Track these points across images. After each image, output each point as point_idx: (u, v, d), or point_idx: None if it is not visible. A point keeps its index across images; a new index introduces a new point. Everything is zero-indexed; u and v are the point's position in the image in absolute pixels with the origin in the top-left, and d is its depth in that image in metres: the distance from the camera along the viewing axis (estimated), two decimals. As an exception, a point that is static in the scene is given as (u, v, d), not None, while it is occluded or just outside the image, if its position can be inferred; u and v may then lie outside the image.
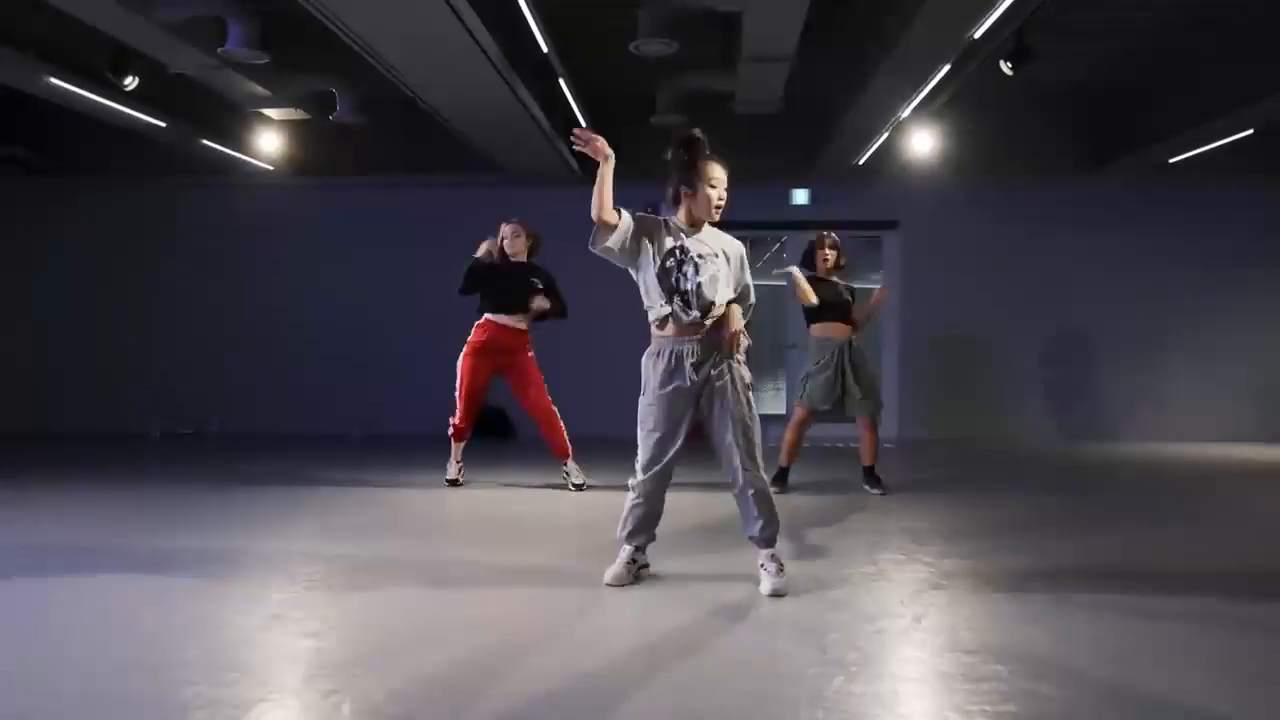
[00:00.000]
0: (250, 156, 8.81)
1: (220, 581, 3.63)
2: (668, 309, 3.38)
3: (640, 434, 3.47)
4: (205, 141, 8.32)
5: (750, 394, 3.48)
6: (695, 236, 3.47)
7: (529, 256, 5.93)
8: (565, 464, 5.86)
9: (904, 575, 3.78)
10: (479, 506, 5.53)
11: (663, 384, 3.41)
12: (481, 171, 9.22)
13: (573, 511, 5.36)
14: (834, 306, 5.79)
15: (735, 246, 3.55)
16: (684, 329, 3.40)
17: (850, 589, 3.53)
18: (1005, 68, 6.24)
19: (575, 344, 9.29)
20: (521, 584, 3.60)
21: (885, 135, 8.20)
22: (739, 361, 3.46)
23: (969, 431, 9.36)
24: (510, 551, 4.22)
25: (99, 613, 3.23)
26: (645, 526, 3.55)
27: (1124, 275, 9.60)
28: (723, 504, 5.13)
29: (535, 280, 5.81)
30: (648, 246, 3.42)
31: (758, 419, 3.48)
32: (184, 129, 8.04)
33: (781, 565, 3.47)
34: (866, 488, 5.83)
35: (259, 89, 7.19)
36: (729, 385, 3.41)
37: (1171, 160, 8.83)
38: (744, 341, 3.48)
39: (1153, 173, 9.20)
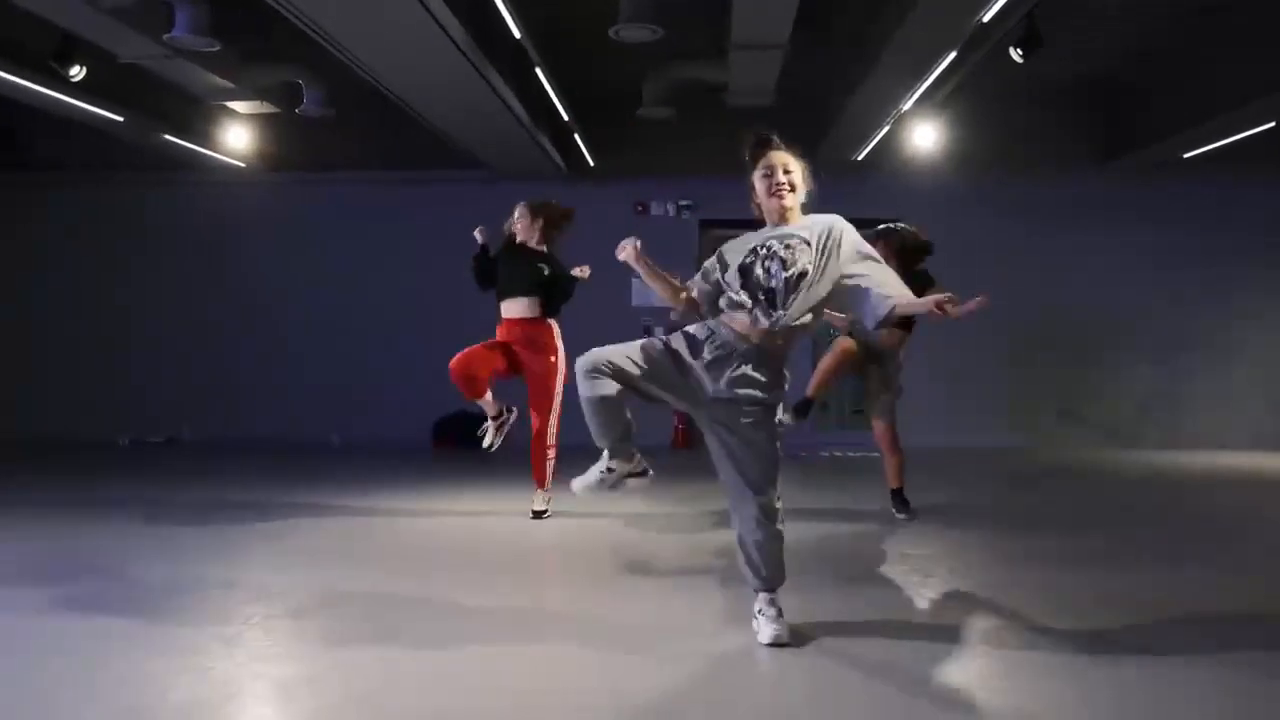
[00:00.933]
0: (218, 152, 8.38)
1: (149, 623, 3.22)
2: (746, 301, 2.97)
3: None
4: (169, 137, 7.87)
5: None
6: (780, 230, 3.08)
7: (547, 242, 5.28)
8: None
9: (922, 620, 3.37)
10: (452, 533, 5.06)
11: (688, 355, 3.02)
12: (463, 168, 8.80)
13: (564, 539, 4.90)
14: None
15: (825, 224, 3.06)
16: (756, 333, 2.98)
17: (869, 641, 3.09)
18: (1015, 55, 5.80)
19: (572, 351, 8.94)
20: (485, 638, 3.12)
21: (885, 129, 7.77)
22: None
23: (973, 439, 8.92)
24: (485, 589, 3.77)
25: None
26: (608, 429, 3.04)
27: (1136, 275, 9.17)
28: (707, 535, 4.77)
29: (543, 266, 5.17)
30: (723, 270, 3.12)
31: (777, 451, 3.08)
32: (144, 123, 7.62)
33: (781, 610, 3.04)
34: (895, 513, 5.25)
35: (220, 81, 6.76)
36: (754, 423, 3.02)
37: (1186, 155, 8.41)
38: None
39: (1166, 168, 8.79)
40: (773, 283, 2.93)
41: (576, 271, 5.23)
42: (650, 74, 6.99)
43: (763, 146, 3.11)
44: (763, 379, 2.98)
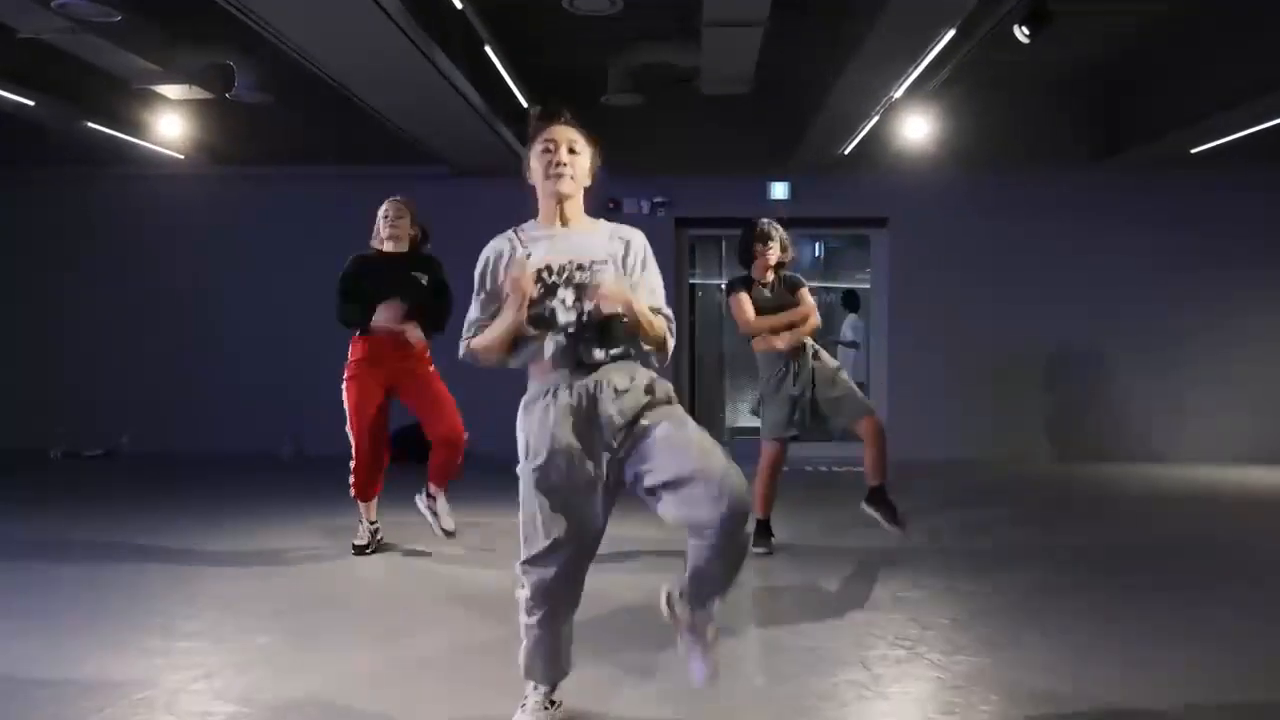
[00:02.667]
0: (152, 142, 7.68)
1: None
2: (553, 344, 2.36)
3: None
4: (93, 125, 7.18)
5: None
6: (559, 238, 2.45)
7: (413, 247, 4.68)
8: (435, 500, 4.63)
9: (906, 686, 2.78)
10: (394, 574, 4.44)
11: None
12: (419, 163, 8.14)
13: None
14: (774, 315, 4.59)
15: (619, 240, 2.49)
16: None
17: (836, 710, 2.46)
18: (1020, 34, 5.18)
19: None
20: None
21: (874, 120, 7.14)
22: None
23: (965, 452, 8.32)
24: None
25: None
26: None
27: (1139, 277, 8.59)
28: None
29: (418, 275, 4.55)
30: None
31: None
32: (61, 109, 6.92)
33: (717, 631, 2.44)
34: (873, 513, 4.43)
35: (142, 62, 6.09)
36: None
37: (1194, 150, 7.83)
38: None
39: (1172, 164, 8.20)
40: (567, 320, 2.34)
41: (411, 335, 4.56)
42: (615, 57, 6.35)
43: (547, 119, 2.48)
44: (628, 380, 2.34)
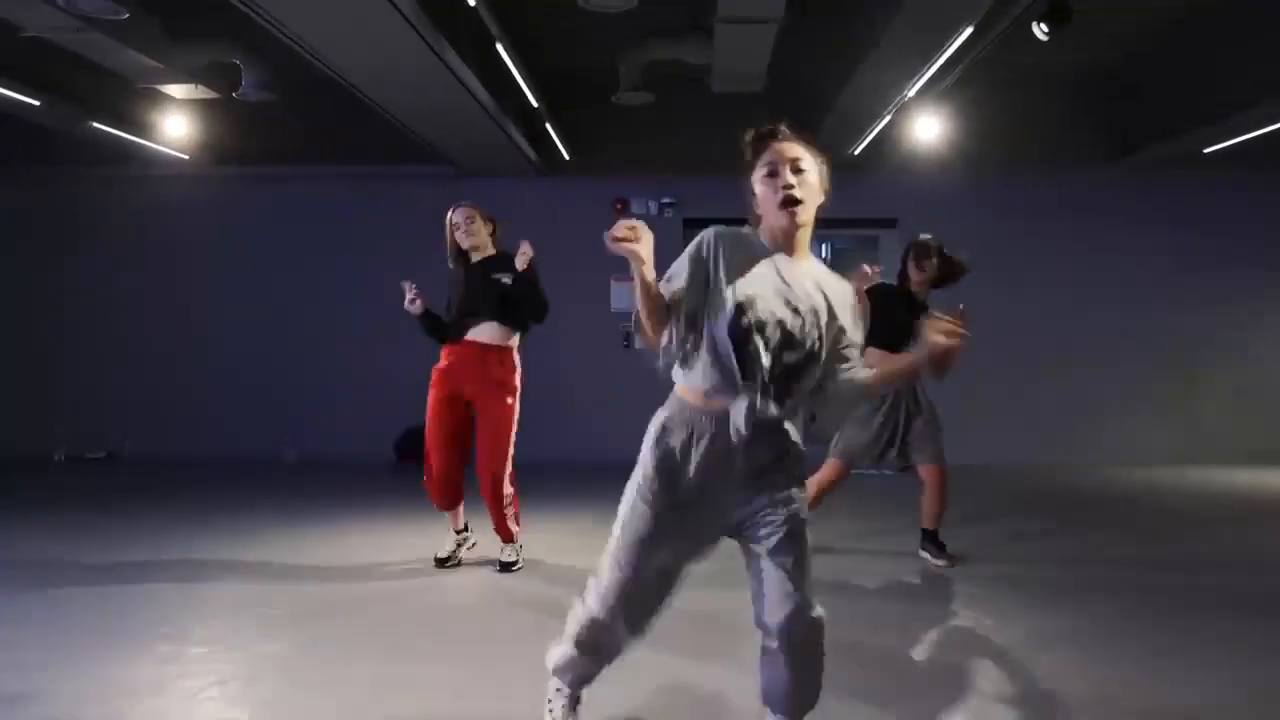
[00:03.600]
0: (157, 143, 7.63)
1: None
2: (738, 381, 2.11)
3: None
4: (97, 125, 7.12)
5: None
6: (789, 272, 2.16)
7: (498, 247, 4.47)
8: (502, 548, 4.44)
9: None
10: (409, 590, 4.33)
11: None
12: (426, 163, 8.09)
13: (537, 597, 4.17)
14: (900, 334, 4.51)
15: (843, 290, 2.25)
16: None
17: None
18: (1039, 31, 5.12)
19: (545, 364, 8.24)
20: None
21: (885, 120, 7.08)
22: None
23: (977, 456, 8.23)
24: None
25: None
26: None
27: (1152, 277, 8.55)
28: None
29: (501, 276, 4.29)
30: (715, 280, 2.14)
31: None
32: (66, 109, 6.86)
33: None
34: (926, 555, 4.59)
35: (147, 60, 6.02)
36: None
37: (1206, 150, 7.79)
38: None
39: (1185, 164, 8.16)
40: (767, 361, 2.08)
41: (520, 259, 4.26)
42: (626, 55, 6.28)
43: (765, 138, 2.19)
44: (779, 449, 2.17)
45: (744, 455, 2.12)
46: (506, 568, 4.37)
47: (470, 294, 4.31)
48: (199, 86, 6.60)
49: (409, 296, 4.27)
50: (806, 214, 2.14)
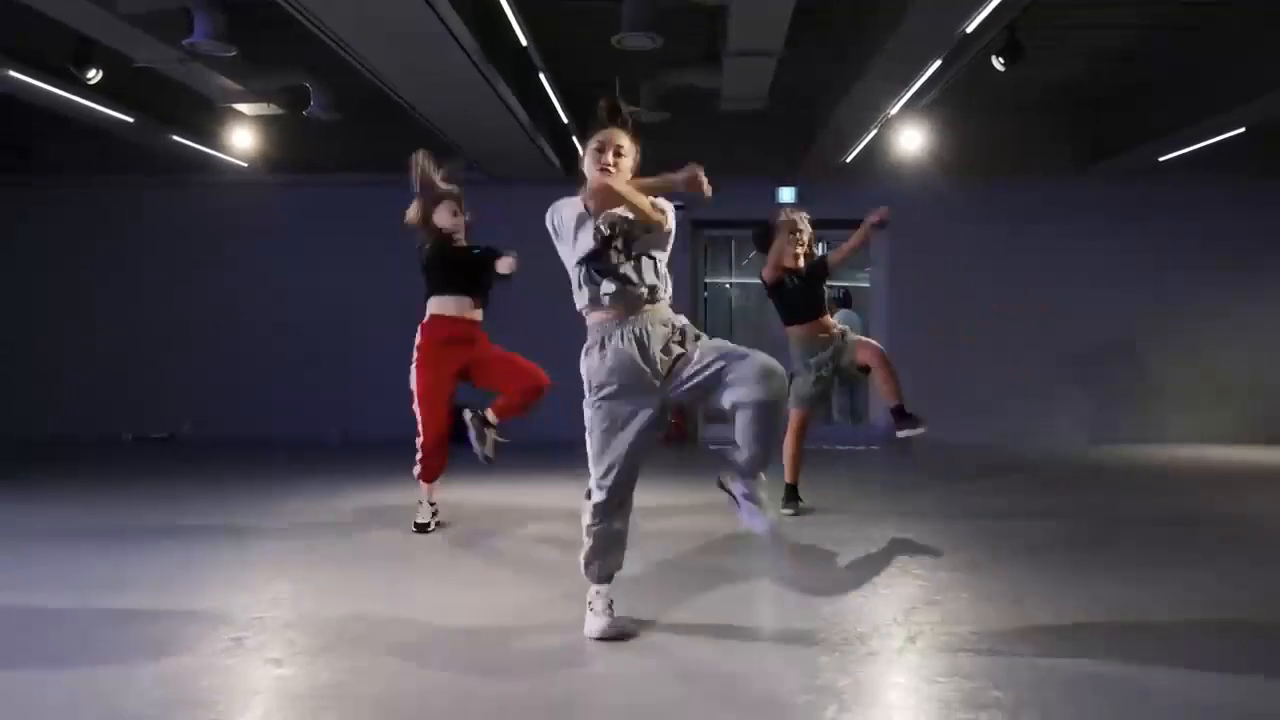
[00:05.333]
0: (223, 153, 8.60)
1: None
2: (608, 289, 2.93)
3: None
4: (176, 138, 8.09)
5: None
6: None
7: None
8: (491, 426, 4.70)
9: (895, 592, 3.65)
10: (451, 543, 4.73)
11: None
12: (466, 170, 9.02)
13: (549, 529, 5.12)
14: (810, 303, 5.21)
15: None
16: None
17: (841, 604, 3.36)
18: (997, 64, 6.12)
19: (549, 351, 9.17)
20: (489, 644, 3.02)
21: (873, 132, 8.07)
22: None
23: (960, 437, 9.18)
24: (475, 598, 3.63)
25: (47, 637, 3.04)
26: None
27: (1117, 276, 9.52)
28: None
29: (474, 247, 4.79)
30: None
31: None
32: (151, 125, 7.83)
33: (768, 491, 3.14)
34: (902, 433, 4.97)
35: (229, 83, 6.97)
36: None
37: (1161, 159, 8.76)
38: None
39: (1143, 172, 9.14)
40: (625, 267, 2.89)
41: (503, 266, 4.66)
42: (646, 79, 7.27)
43: (611, 116, 3.00)
44: (670, 322, 2.94)
45: (648, 337, 2.87)
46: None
47: (455, 274, 4.73)
48: (270, 105, 7.52)
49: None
50: (617, 183, 2.90)
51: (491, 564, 4.36)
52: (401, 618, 3.26)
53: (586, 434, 2.95)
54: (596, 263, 2.91)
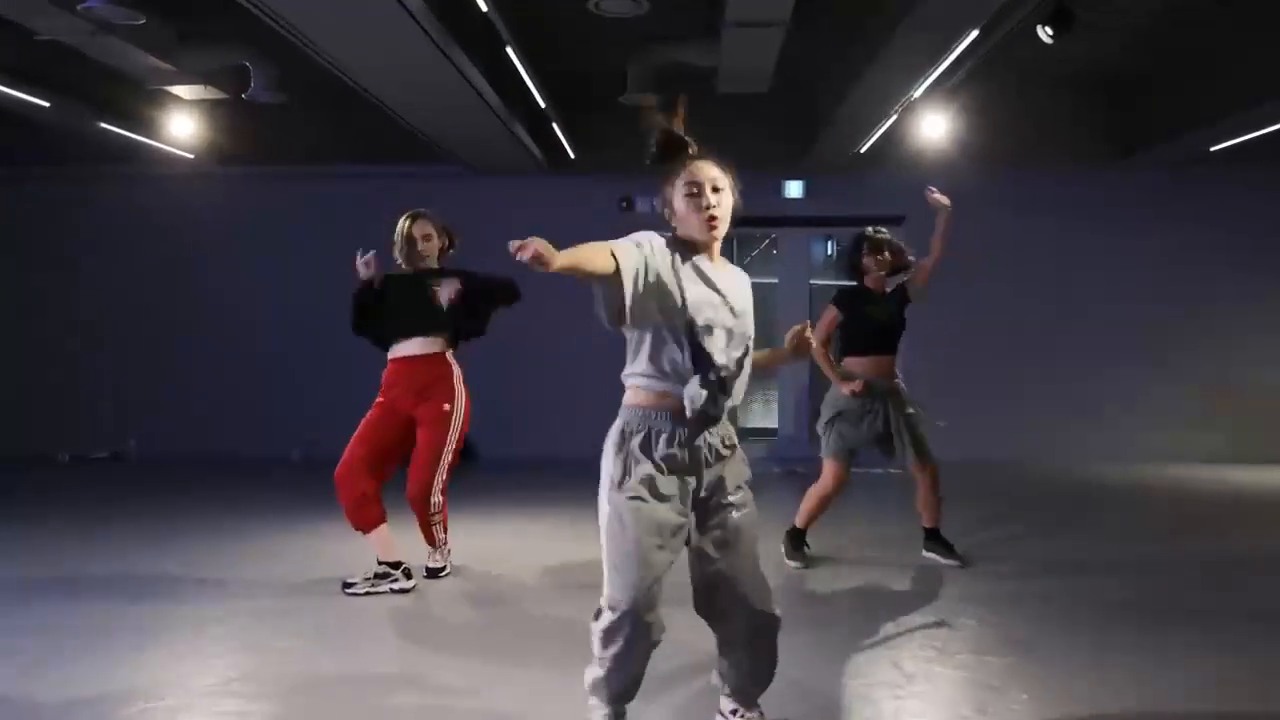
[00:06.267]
0: (163, 142, 7.81)
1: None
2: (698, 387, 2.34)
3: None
4: (105, 125, 7.30)
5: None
6: (717, 278, 2.43)
7: (440, 259, 4.41)
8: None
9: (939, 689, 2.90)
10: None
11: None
12: (432, 162, 8.28)
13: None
14: (881, 333, 4.63)
15: (746, 284, 2.55)
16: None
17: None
18: (1044, 35, 5.31)
19: (539, 361, 8.45)
20: None
21: (892, 119, 7.26)
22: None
23: (982, 452, 8.42)
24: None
25: None
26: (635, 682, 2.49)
27: (1159, 276, 8.75)
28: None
29: (430, 282, 4.29)
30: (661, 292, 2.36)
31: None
32: (75, 110, 7.04)
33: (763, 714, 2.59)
34: (932, 555, 4.70)
35: (158, 62, 6.21)
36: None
37: (1212, 149, 7.98)
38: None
39: (1191, 162, 8.37)
40: (724, 361, 2.35)
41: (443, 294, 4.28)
42: (634, 57, 6.48)
43: (679, 150, 2.47)
44: (729, 440, 2.45)
45: (701, 446, 2.37)
46: (434, 573, 4.36)
47: (401, 301, 4.30)
48: (208, 87, 6.77)
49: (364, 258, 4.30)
50: (724, 230, 2.42)
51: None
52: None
53: (602, 531, 2.37)
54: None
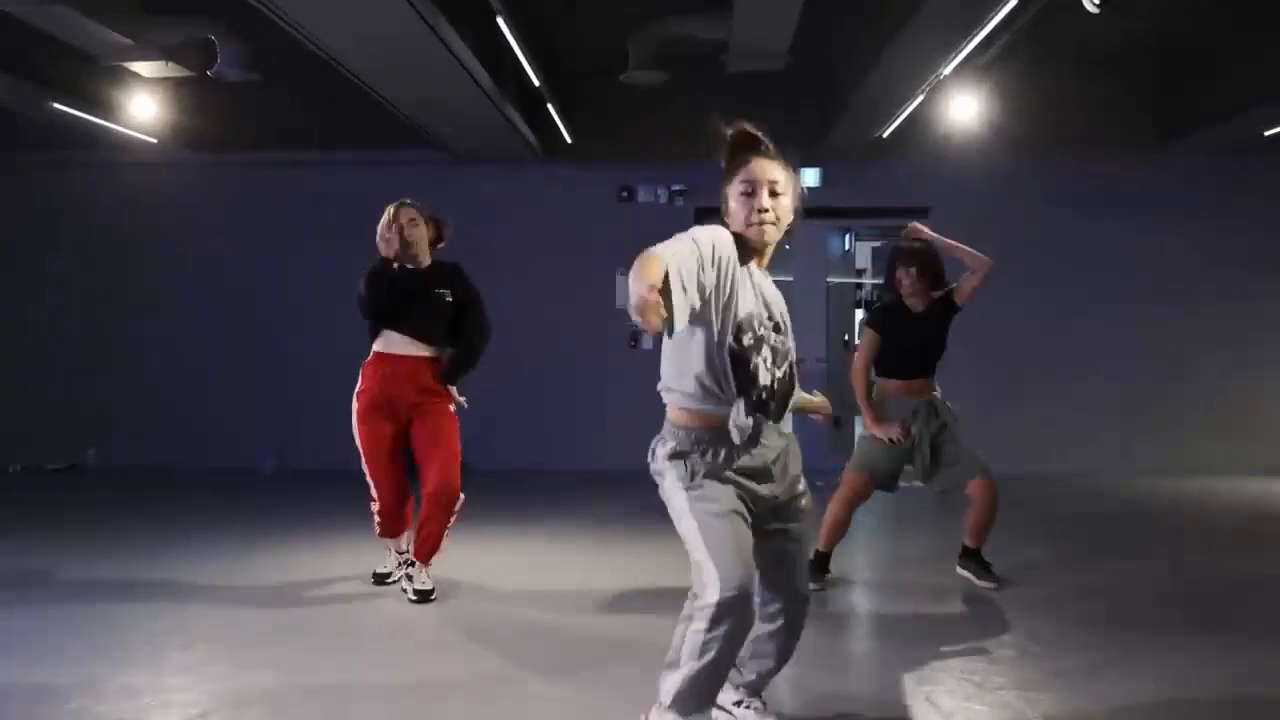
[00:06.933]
0: (123, 125, 7.66)
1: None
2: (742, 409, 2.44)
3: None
4: (58, 106, 7.15)
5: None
6: (763, 288, 2.55)
7: (430, 251, 4.49)
8: (415, 566, 4.39)
9: None
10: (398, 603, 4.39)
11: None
12: (417, 147, 8.16)
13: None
14: (915, 351, 4.52)
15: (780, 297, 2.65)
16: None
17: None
18: (1090, 4, 5.13)
19: (536, 365, 8.29)
20: None
21: (918, 101, 7.11)
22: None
23: (1014, 465, 8.21)
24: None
25: None
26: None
27: (1208, 272, 8.59)
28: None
29: (444, 292, 4.39)
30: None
31: None
32: (24, 89, 6.89)
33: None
34: (966, 574, 4.60)
35: (114, 36, 6.04)
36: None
37: (1267, 133, 7.81)
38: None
39: (1235, 149, 8.22)
40: (766, 382, 2.45)
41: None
42: (636, 32, 6.35)
43: (746, 148, 2.50)
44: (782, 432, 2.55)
45: (755, 451, 2.44)
46: (423, 595, 4.30)
47: (408, 307, 4.32)
48: (170, 64, 6.62)
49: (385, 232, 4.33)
50: (778, 235, 2.49)
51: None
52: None
53: (688, 535, 2.43)
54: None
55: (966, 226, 8.47)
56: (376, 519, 4.50)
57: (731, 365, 2.37)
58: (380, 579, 4.58)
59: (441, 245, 4.54)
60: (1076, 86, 8.25)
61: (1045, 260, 8.61)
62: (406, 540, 4.58)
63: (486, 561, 5.11)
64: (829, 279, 9.26)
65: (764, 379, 2.41)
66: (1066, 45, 7.41)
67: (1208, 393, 8.60)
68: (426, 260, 4.44)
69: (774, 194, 2.44)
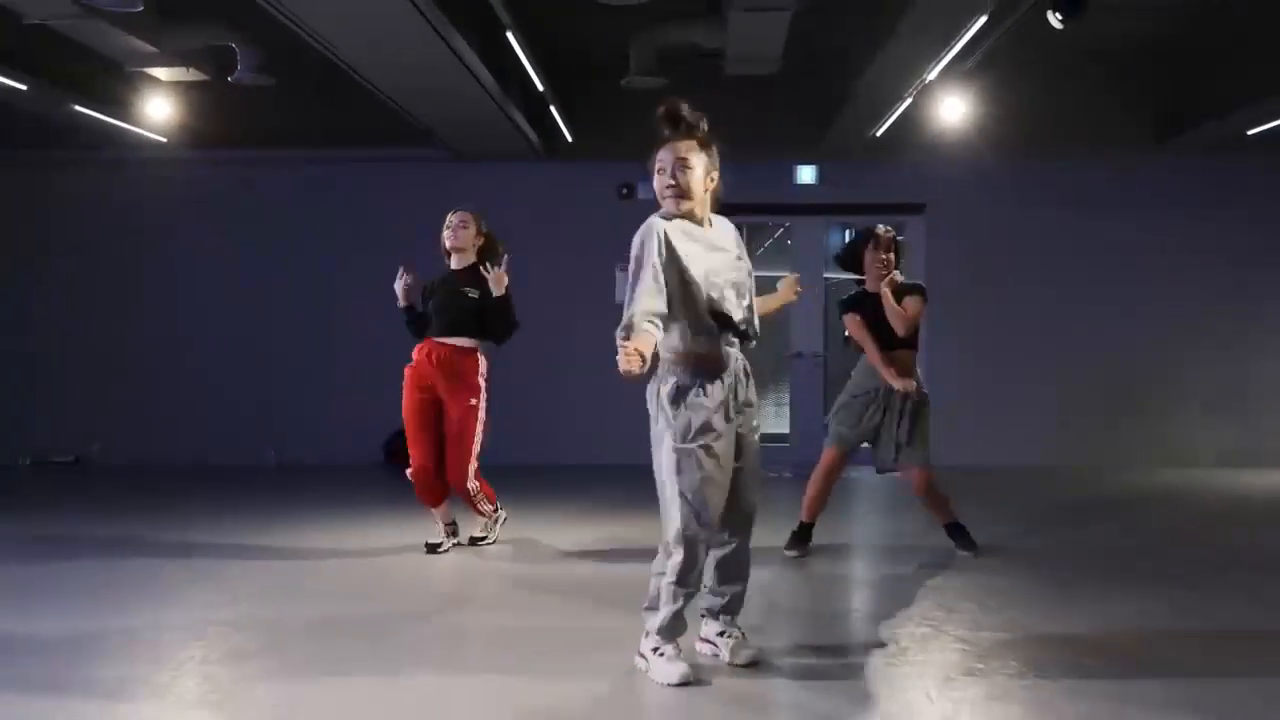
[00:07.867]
0: (138, 125, 8.36)
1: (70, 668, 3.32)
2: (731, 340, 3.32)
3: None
4: (80, 108, 7.87)
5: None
6: (710, 239, 3.30)
7: (479, 258, 5.36)
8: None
9: (931, 657, 3.52)
10: (398, 565, 5.18)
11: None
12: (424, 146, 8.88)
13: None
14: (888, 327, 5.12)
15: (734, 231, 3.43)
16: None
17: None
18: (1053, 20, 5.85)
19: (540, 363, 8.96)
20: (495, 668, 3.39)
21: (909, 101, 7.84)
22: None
23: (1005, 458, 8.99)
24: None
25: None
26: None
27: (1195, 269, 9.30)
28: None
29: (469, 290, 5.31)
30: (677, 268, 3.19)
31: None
32: (52, 93, 7.61)
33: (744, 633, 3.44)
34: (962, 551, 5.26)
35: (140, 44, 6.76)
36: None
37: (1250, 132, 8.49)
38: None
39: (1229, 146, 8.90)
40: (739, 315, 3.24)
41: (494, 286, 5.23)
42: (637, 38, 7.07)
43: (669, 126, 3.19)
44: (748, 369, 3.34)
45: (738, 386, 3.22)
46: (478, 541, 5.51)
47: (440, 301, 5.32)
48: (190, 69, 7.31)
49: (401, 280, 5.32)
50: (691, 204, 3.17)
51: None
52: None
53: (666, 478, 3.16)
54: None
55: (961, 223, 9.36)
56: (412, 481, 5.34)
57: (709, 313, 3.14)
58: (432, 548, 5.37)
59: (496, 257, 5.37)
60: (1072, 85, 8.87)
61: (1043, 258, 9.32)
62: (449, 509, 5.46)
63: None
64: (827, 275, 9.95)
65: (736, 315, 3.21)
66: (1057, 46, 7.98)
67: (1203, 388, 9.31)
68: (468, 260, 5.37)
69: (684, 169, 3.13)
